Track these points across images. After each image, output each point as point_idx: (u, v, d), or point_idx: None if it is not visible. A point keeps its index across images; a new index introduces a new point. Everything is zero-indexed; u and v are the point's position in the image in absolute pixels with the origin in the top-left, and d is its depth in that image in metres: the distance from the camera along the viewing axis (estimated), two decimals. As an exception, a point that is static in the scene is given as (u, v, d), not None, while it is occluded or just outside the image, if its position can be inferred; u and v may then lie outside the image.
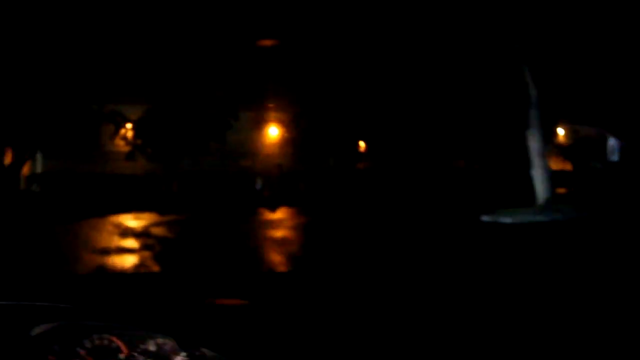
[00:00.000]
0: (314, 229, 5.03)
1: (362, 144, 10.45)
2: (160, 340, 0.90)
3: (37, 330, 0.89)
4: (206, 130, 6.92)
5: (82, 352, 0.89)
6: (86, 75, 5.96)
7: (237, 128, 8.21)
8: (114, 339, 0.90)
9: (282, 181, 8.18)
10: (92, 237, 4.17)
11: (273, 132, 10.33)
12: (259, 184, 7.25)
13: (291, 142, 9.79)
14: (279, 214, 5.79)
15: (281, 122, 10.16)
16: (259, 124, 9.89)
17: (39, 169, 7.80)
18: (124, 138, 6.82)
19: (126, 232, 4.39)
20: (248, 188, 7.30)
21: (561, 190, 7.00)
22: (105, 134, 6.98)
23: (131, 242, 3.97)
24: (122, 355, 0.89)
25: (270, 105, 9.90)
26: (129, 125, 7.02)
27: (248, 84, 8.80)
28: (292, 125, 9.89)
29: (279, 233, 4.33)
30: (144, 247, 3.70)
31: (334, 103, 9.16)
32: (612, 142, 6.91)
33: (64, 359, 0.87)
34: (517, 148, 6.54)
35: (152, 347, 0.90)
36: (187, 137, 6.73)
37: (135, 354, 0.89)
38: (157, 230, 4.57)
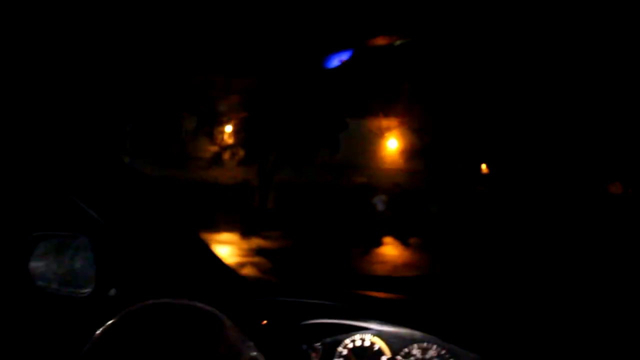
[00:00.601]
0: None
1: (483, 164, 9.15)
2: (424, 345, 0.93)
3: (303, 326, 0.97)
4: (315, 130, 5.39)
5: (345, 351, 0.96)
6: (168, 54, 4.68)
7: (350, 137, 6.90)
8: (377, 339, 0.95)
9: (407, 202, 6.69)
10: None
11: (392, 145, 8.88)
12: (381, 204, 5.52)
13: (414, 158, 8.40)
14: (414, 251, 4.08)
15: (403, 134, 8.80)
16: (376, 134, 8.56)
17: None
18: (210, 135, 5.40)
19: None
20: (365, 208, 5.65)
21: None
22: (189, 132, 5.68)
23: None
24: (384, 358, 0.96)
25: (391, 113, 8.54)
26: (218, 124, 5.69)
27: (364, 85, 7.47)
28: (415, 139, 8.53)
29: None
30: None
31: (464, 114, 7.64)
32: None
33: (328, 354, 0.96)
34: None
35: (415, 351, 0.93)
36: (291, 137, 5.22)
37: (399, 358, 0.95)
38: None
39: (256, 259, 3.35)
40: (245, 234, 4.02)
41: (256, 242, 3.78)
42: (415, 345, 0.96)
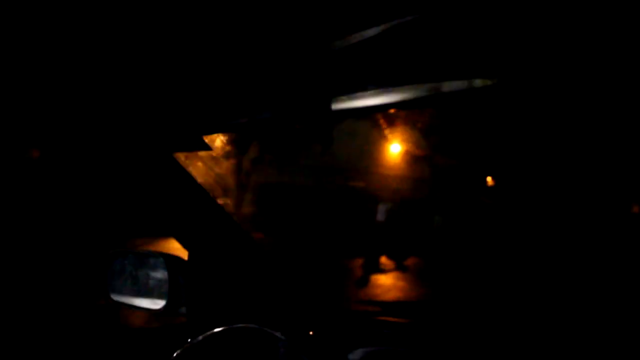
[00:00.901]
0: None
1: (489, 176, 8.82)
2: None
3: (355, 355, 0.90)
4: (304, 122, 4.65)
5: None
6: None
7: (348, 135, 6.31)
8: None
9: (408, 212, 6.06)
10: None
11: (395, 149, 8.34)
12: (382, 213, 4.75)
13: (418, 163, 7.92)
14: (414, 279, 3.30)
15: (407, 137, 8.29)
16: (378, 135, 8.05)
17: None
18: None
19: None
20: (362, 217, 4.89)
21: None
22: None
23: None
24: None
25: (394, 114, 8.04)
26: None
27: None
28: (420, 145, 8.06)
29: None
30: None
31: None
32: None
33: None
34: None
35: None
36: (272, 127, 4.49)
37: None
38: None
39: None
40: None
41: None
42: None
